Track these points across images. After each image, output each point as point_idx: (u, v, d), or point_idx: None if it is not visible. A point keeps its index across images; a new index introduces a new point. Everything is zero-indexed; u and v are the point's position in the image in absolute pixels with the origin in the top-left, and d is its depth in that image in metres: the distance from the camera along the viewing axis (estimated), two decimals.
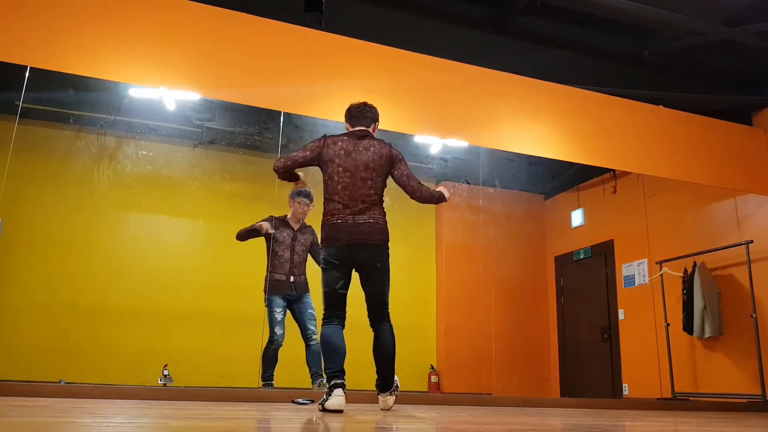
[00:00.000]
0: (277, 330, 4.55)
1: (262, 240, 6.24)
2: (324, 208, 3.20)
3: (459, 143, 5.56)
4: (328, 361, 3.06)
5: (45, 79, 4.55)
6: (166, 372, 5.69)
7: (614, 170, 7.09)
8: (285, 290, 4.63)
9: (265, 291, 4.71)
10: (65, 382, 5.18)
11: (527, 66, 5.18)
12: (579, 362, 7.56)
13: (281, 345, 4.58)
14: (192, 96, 5.46)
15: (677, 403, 5.46)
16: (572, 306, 7.81)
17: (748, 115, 6.01)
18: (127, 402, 3.18)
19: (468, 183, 7.58)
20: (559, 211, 8.21)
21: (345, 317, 3.19)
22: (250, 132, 6.69)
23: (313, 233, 4.86)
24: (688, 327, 5.94)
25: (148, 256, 6.50)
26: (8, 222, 5.64)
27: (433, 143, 6.14)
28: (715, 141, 5.57)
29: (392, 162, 3.24)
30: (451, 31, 5.19)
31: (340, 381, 2.98)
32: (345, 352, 3.10)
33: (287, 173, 3.31)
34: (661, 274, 6.34)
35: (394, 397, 3.26)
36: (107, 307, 6.19)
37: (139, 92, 5.57)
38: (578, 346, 7.59)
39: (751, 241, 5.55)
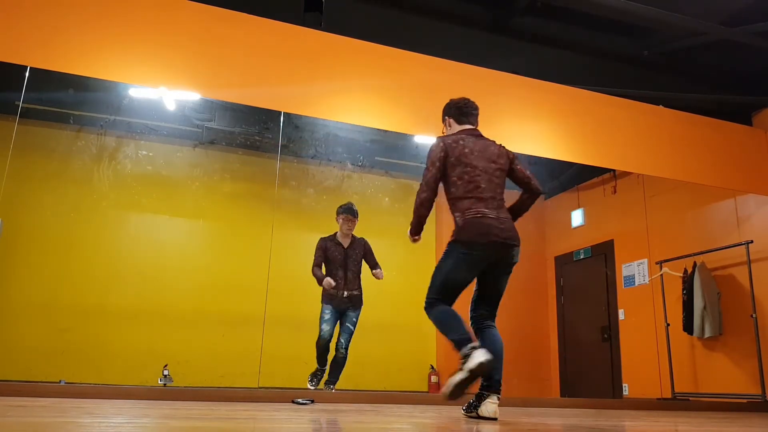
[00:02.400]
0: (324, 326, 4.79)
1: (263, 241, 6.27)
2: (456, 206, 3.04)
3: None
4: (451, 332, 2.87)
5: (45, 79, 4.56)
6: (166, 372, 5.69)
7: (614, 170, 7.09)
8: (340, 304, 4.85)
9: (322, 302, 4.92)
10: (65, 382, 5.19)
11: (527, 66, 5.17)
12: (579, 362, 7.56)
13: (328, 339, 4.79)
14: (192, 96, 5.46)
15: (677, 403, 5.45)
16: (572, 306, 7.81)
17: (748, 115, 6.01)
18: (127, 402, 3.18)
19: None
20: (559, 211, 8.20)
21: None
22: (250, 132, 6.69)
23: (364, 244, 5.04)
24: (688, 327, 5.94)
25: (148, 256, 6.51)
26: (8, 222, 5.64)
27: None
28: (715, 141, 5.57)
29: (510, 161, 3.16)
30: (451, 31, 5.19)
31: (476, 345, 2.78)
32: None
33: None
34: (661, 274, 6.34)
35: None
36: (107, 307, 6.19)
37: (139, 92, 5.58)
38: (578, 346, 7.59)
39: (751, 241, 5.55)
